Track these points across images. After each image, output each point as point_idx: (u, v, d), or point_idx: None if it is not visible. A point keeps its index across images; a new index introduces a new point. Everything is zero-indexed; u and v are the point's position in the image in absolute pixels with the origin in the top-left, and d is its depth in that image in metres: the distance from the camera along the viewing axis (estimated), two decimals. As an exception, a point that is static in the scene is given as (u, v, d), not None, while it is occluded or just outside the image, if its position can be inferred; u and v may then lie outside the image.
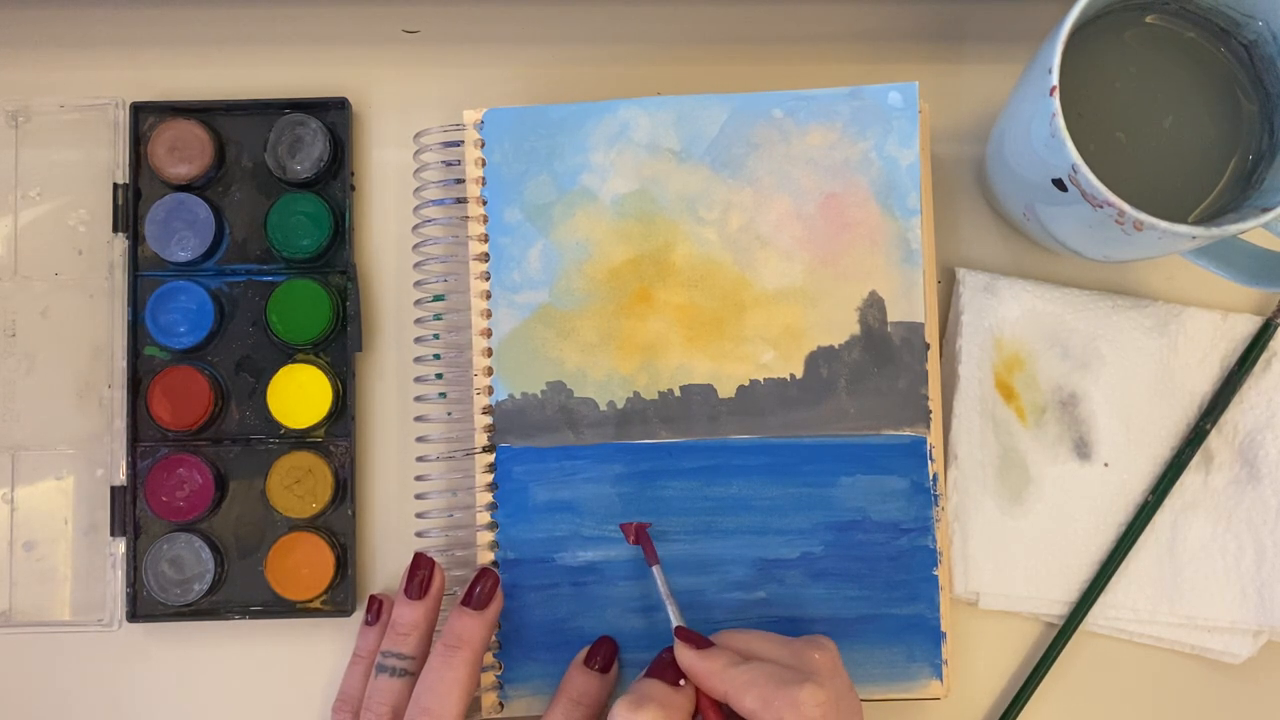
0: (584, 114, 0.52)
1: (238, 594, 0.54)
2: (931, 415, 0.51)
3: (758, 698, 0.43)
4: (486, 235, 0.52)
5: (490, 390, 0.52)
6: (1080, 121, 0.44)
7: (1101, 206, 0.43)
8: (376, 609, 0.52)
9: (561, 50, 0.57)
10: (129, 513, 0.53)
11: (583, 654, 0.50)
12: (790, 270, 0.52)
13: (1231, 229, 0.43)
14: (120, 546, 0.53)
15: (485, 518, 0.51)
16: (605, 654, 0.50)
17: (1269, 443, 0.53)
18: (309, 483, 0.53)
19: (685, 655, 0.45)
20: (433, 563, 0.50)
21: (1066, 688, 0.54)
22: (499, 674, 0.51)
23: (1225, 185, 0.48)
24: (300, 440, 0.54)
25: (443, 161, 0.54)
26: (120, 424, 0.54)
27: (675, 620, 0.47)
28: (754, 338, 0.51)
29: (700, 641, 0.46)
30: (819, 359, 0.51)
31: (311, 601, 0.53)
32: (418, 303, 0.53)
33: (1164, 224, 0.43)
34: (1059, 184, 0.45)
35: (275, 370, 0.53)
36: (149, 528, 0.53)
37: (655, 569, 0.49)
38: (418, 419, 0.53)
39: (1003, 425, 0.54)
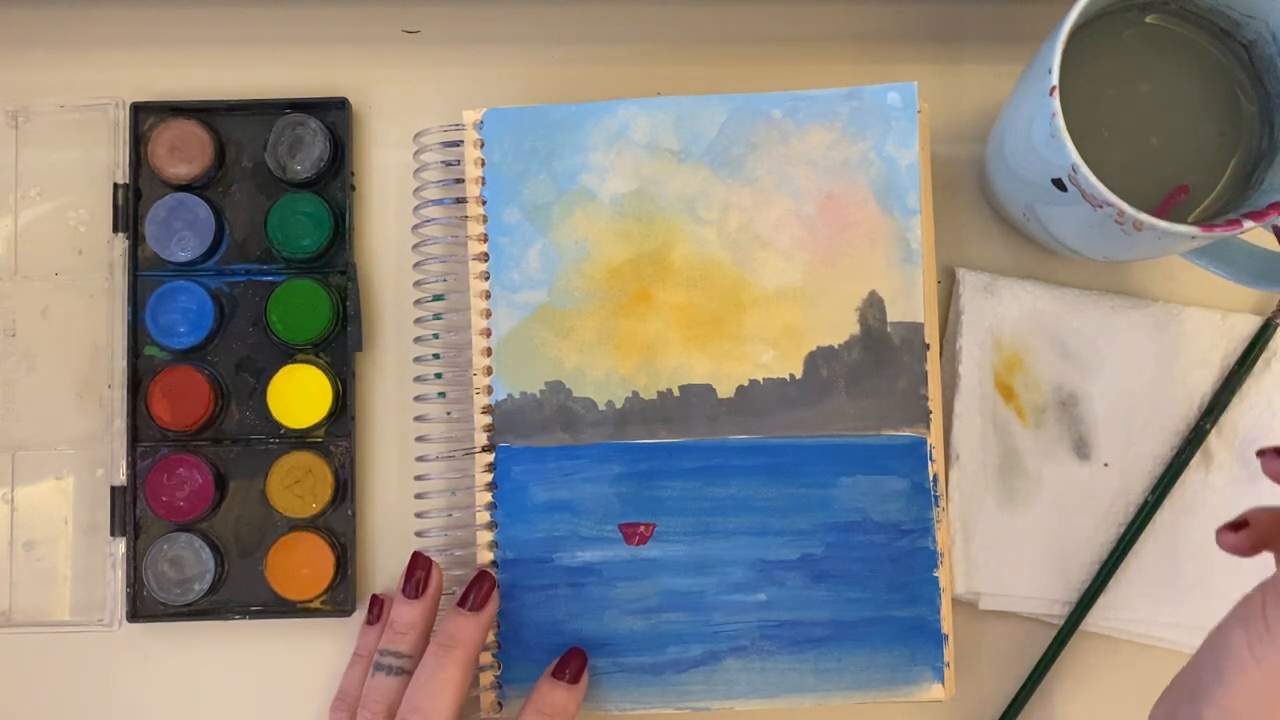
0: (584, 114, 0.52)
1: (238, 594, 0.54)
2: (931, 415, 0.51)
3: None
4: (486, 235, 0.52)
5: (490, 390, 0.52)
6: (1080, 121, 0.44)
7: (1101, 206, 0.43)
8: (378, 609, 0.52)
9: (561, 50, 0.57)
10: (129, 513, 0.53)
11: (552, 666, 0.50)
12: (790, 270, 0.52)
13: (1232, 229, 0.43)
14: (120, 546, 0.53)
15: (484, 517, 0.51)
16: (575, 667, 0.49)
17: (1269, 443, 0.53)
18: (309, 483, 0.53)
19: None
20: (430, 562, 0.50)
21: (1066, 688, 0.54)
22: (497, 674, 0.51)
23: (1225, 185, 0.48)
24: (300, 440, 0.54)
25: (442, 161, 0.54)
26: (120, 424, 0.54)
27: None
28: (753, 338, 0.51)
29: None
30: (818, 359, 0.51)
31: (311, 601, 0.53)
32: (417, 303, 0.53)
33: (1164, 224, 0.43)
34: (1059, 184, 0.45)
35: (275, 370, 0.53)
36: (149, 528, 0.53)
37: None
38: (418, 419, 0.53)
39: (1003, 425, 0.54)
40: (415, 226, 0.53)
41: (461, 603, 0.49)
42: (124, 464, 0.54)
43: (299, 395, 0.53)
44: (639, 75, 0.56)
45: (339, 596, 0.53)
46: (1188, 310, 0.54)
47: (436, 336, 0.53)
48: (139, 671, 0.54)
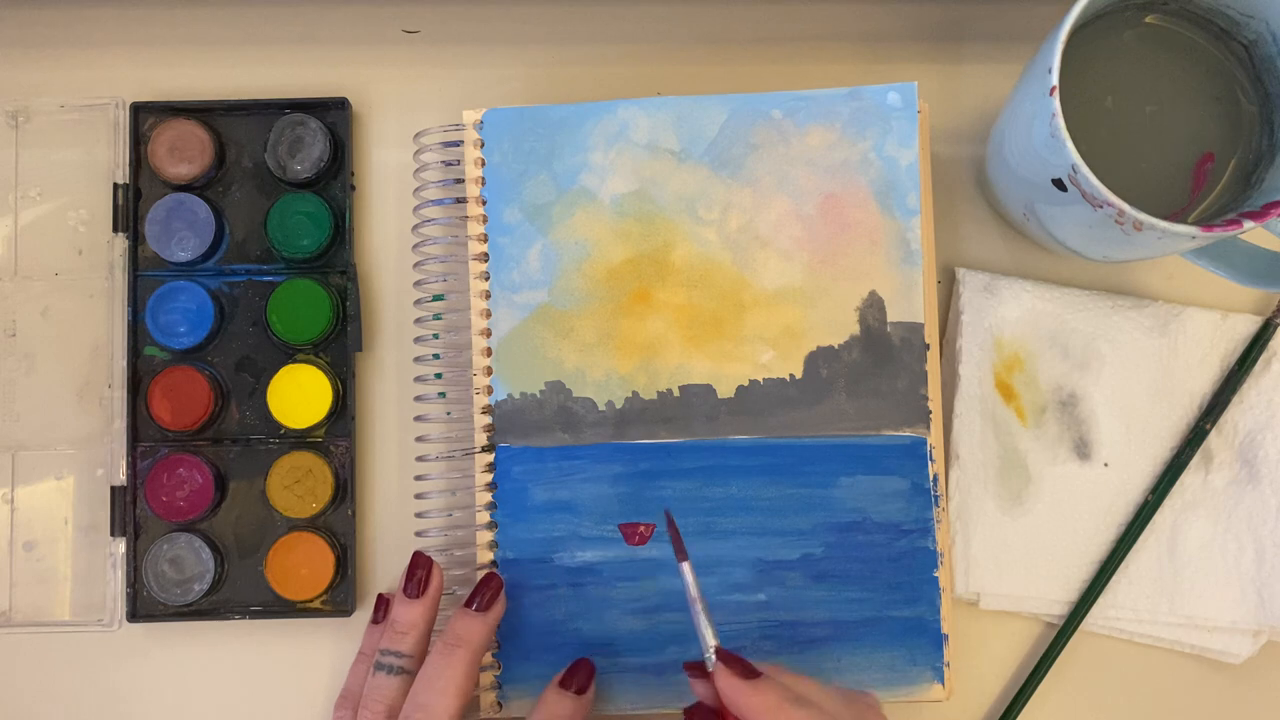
0: (584, 114, 0.52)
1: (238, 594, 0.54)
2: (931, 416, 0.51)
3: None
4: (486, 235, 0.52)
5: (490, 390, 0.52)
6: (1080, 122, 0.44)
7: (1101, 206, 0.43)
8: (384, 608, 0.52)
9: (561, 50, 0.57)
10: (129, 513, 0.53)
11: (559, 676, 0.49)
12: (790, 270, 0.52)
13: (1232, 229, 0.43)
14: (120, 546, 0.53)
15: (485, 517, 0.51)
16: (582, 677, 0.49)
17: (1269, 443, 0.53)
18: (309, 483, 0.53)
19: (731, 685, 0.42)
20: (431, 562, 0.50)
21: (1066, 688, 0.54)
22: (498, 674, 0.51)
23: (1225, 185, 0.48)
24: (300, 440, 0.54)
25: (442, 161, 0.54)
26: (120, 424, 0.54)
27: (711, 639, 0.43)
28: (753, 338, 0.51)
29: (749, 670, 0.42)
30: (818, 359, 0.51)
31: (311, 601, 0.53)
32: (418, 303, 0.53)
33: (1164, 224, 0.43)
34: (1059, 184, 0.45)
35: (275, 370, 0.53)
36: (149, 528, 0.53)
37: (685, 566, 0.45)
38: (418, 419, 0.53)
39: (1003, 425, 0.54)
40: (415, 226, 0.53)
41: (469, 603, 0.49)
42: (124, 464, 0.54)
43: (299, 395, 0.53)
44: (639, 75, 0.56)
45: (339, 596, 0.53)
46: (1188, 310, 0.54)
47: (436, 336, 0.53)
48: (139, 671, 0.54)
